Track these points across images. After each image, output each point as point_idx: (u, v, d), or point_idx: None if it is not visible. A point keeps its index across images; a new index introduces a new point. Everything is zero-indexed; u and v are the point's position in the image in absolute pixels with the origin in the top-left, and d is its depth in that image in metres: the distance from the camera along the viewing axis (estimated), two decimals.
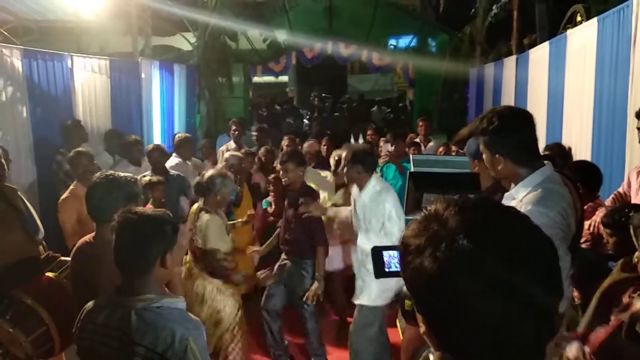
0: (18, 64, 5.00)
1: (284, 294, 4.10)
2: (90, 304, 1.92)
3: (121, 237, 1.86)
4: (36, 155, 5.11)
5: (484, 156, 2.22)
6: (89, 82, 6.13)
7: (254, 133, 7.34)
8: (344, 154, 3.62)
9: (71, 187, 4.02)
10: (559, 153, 4.22)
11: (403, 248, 0.82)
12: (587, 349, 1.71)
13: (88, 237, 2.43)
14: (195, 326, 1.84)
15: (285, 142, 6.33)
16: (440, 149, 6.37)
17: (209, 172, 3.79)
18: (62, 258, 2.97)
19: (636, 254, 1.90)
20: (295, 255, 4.06)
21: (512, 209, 0.87)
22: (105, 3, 7.18)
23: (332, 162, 5.12)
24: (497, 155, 2.14)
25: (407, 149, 6.02)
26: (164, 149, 5.61)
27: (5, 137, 4.72)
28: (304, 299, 3.89)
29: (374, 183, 3.59)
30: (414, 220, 0.84)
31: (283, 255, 4.21)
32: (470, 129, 2.69)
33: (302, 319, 4.04)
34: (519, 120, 2.16)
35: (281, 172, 4.11)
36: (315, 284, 3.86)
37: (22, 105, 5.05)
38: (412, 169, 1.67)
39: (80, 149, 4.21)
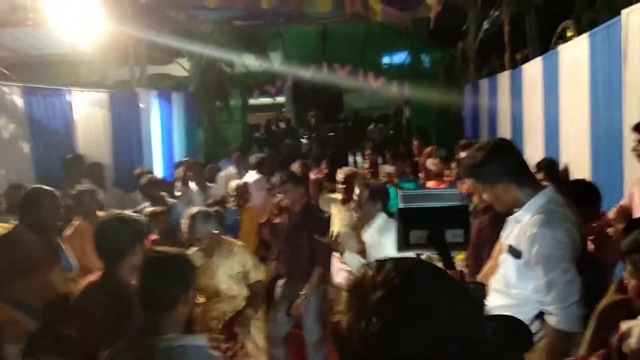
0: (18, 101, 5.07)
1: (288, 319, 4.09)
2: (115, 346, 1.92)
3: (146, 277, 1.90)
4: None
5: (485, 194, 2.26)
6: (88, 115, 6.19)
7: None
8: (357, 191, 3.55)
9: (75, 222, 4.04)
10: (549, 172, 4.26)
11: (335, 327, 0.87)
12: None
13: (94, 278, 2.44)
14: None
15: (297, 167, 6.34)
16: (436, 160, 6.46)
17: (194, 210, 3.59)
18: None
19: (624, 274, 1.92)
20: (297, 279, 4.06)
21: (439, 276, 0.87)
22: (101, 35, 7.27)
23: (339, 178, 5.04)
24: (499, 184, 2.19)
25: (406, 169, 6.08)
26: (158, 180, 5.69)
27: (8, 175, 4.75)
28: (290, 313, 3.92)
29: (383, 219, 3.51)
30: (345, 290, 0.88)
31: (283, 280, 4.21)
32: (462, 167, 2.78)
33: (307, 348, 4.03)
34: (500, 146, 2.25)
35: (280, 194, 4.16)
36: (299, 300, 3.86)
37: (24, 141, 5.10)
38: (401, 205, 1.70)
39: (83, 187, 4.24)
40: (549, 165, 4.47)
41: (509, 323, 1.39)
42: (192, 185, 5.64)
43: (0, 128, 4.82)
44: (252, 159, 6.88)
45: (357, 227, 4.54)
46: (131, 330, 1.95)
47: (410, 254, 2.11)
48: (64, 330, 2.43)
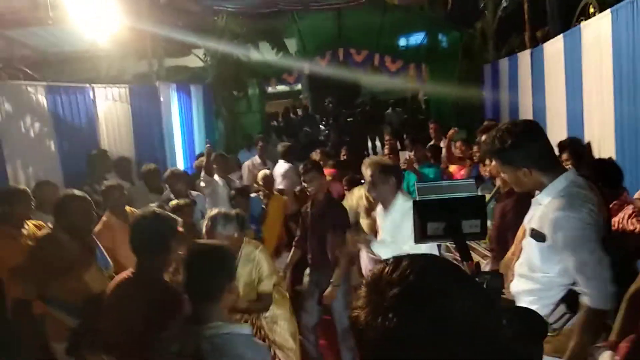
0: (43, 100, 5.18)
1: (317, 309, 4.14)
2: (163, 335, 2.01)
3: (192, 269, 1.98)
4: (66, 187, 5.25)
5: (506, 174, 2.25)
6: (110, 110, 6.30)
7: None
8: (368, 172, 3.40)
9: (103, 218, 4.13)
10: (574, 151, 4.20)
11: (354, 321, 0.88)
12: (617, 358, 1.72)
13: (126, 274, 2.50)
14: (261, 350, 1.96)
15: (317, 156, 6.39)
16: (458, 143, 6.41)
17: (214, 212, 3.40)
18: None
19: None
20: (324, 267, 4.10)
21: (454, 273, 0.89)
22: (118, 30, 7.35)
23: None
24: (523, 169, 2.17)
25: (427, 153, 6.05)
26: (180, 173, 5.78)
27: (36, 172, 4.88)
28: (321, 302, 3.95)
29: (403, 200, 3.42)
30: (362, 287, 0.90)
31: (309, 270, 4.26)
32: (484, 149, 2.74)
33: (338, 336, 4.08)
34: (529, 130, 2.21)
35: (305, 183, 4.16)
36: (330, 289, 3.89)
37: (50, 139, 5.22)
38: (417, 197, 1.71)
39: (112, 182, 4.32)
40: (573, 145, 4.41)
41: (523, 314, 1.40)
42: (217, 177, 5.61)
43: (27, 127, 4.94)
44: (280, 147, 6.92)
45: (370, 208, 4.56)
46: (168, 324, 2.02)
47: (429, 244, 2.12)
48: (102, 327, 2.50)
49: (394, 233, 3.41)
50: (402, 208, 3.36)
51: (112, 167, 5.56)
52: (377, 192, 3.44)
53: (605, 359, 1.76)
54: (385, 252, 3.42)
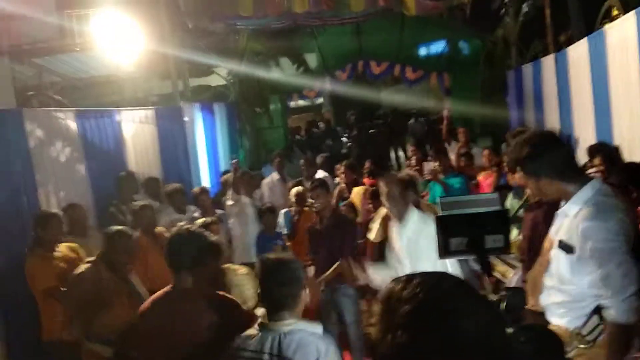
0: (72, 125, 5.32)
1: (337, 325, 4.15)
2: (241, 336, 2.19)
3: (267, 282, 2.17)
4: (97, 210, 5.38)
5: (530, 184, 2.24)
6: (137, 132, 6.44)
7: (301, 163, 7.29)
8: (384, 186, 3.36)
9: (135, 238, 4.21)
10: (606, 155, 4.10)
11: (369, 337, 0.92)
12: None
13: (164, 290, 2.52)
14: (330, 345, 2.11)
15: (341, 169, 6.41)
16: (485, 152, 6.36)
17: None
18: None
19: None
20: (336, 283, 4.11)
21: (464, 291, 0.90)
22: (142, 54, 7.56)
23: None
24: (543, 179, 2.17)
25: (459, 159, 6.03)
26: (208, 191, 5.87)
27: (67, 196, 5.00)
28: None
29: (418, 216, 3.35)
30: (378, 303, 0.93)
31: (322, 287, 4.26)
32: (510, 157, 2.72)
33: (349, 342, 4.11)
34: (547, 140, 2.21)
35: (312, 199, 4.26)
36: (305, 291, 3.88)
37: (80, 163, 5.35)
38: (440, 213, 1.71)
39: (143, 202, 4.40)
40: (605, 149, 4.32)
41: (541, 333, 1.38)
42: (243, 197, 5.53)
43: (58, 152, 5.09)
44: (318, 159, 7.00)
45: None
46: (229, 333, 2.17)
47: (451, 259, 2.09)
48: (134, 352, 2.54)
49: (409, 250, 3.34)
50: (416, 224, 3.31)
51: (139, 187, 5.66)
52: (394, 207, 3.38)
53: None
54: (385, 273, 3.40)
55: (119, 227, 3.55)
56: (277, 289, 2.13)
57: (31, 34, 7.27)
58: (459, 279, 0.93)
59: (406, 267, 3.34)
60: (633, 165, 3.79)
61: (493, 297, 2.58)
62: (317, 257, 4.25)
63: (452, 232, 1.85)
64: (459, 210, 1.84)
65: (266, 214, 5.26)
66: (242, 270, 3.39)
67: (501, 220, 1.80)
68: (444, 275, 0.93)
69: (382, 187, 3.39)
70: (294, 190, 5.67)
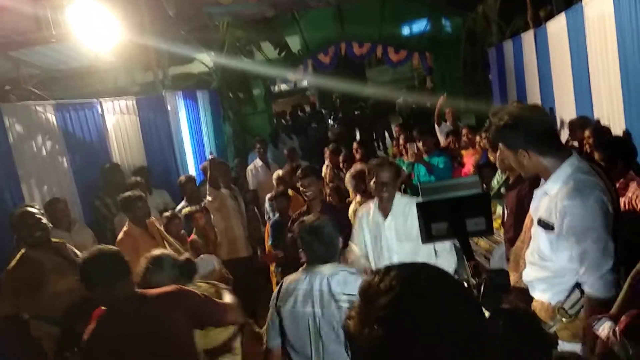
0: (52, 118, 5.25)
1: None
2: (289, 278, 2.62)
3: (313, 240, 2.51)
4: (82, 203, 5.35)
5: (510, 157, 2.24)
6: (119, 123, 6.37)
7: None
8: (384, 172, 3.17)
9: (125, 228, 4.21)
10: (596, 129, 4.15)
11: (346, 329, 0.90)
12: (617, 329, 1.72)
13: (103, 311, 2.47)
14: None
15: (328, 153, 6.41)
16: (464, 130, 6.46)
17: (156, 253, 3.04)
18: None
19: None
20: None
21: (442, 282, 0.89)
22: (121, 43, 7.42)
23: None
24: (520, 150, 2.16)
25: (446, 139, 6.06)
26: (195, 179, 5.85)
27: (50, 190, 4.96)
28: None
29: (399, 198, 3.23)
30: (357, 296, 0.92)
31: None
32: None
33: None
34: (529, 112, 2.18)
35: (303, 188, 4.07)
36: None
37: (62, 156, 5.29)
38: (420, 199, 1.71)
39: (133, 193, 4.30)
40: (591, 123, 4.39)
41: (519, 316, 1.42)
42: (223, 190, 5.18)
43: (39, 145, 5.03)
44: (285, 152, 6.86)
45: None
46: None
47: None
48: (82, 328, 2.49)
49: (399, 234, 3.21)
50: (402, 208, 3.17)
51: (122, 179, 5.56)
52: (389, 194, 3.21)
53: (605, 329, 1.76)
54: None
55: (24, 209, 3.58)
56: (316, 245, 2.50)
57: (6, 26, 7.10)
58: (439, 270, 0.92)
59: (393, 253, 3.25)
60: (619, 139, 3.84)
61: (473, 281, 2.64)
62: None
63: (433, 218, 1.87)
64: (439, 196, 1.85)
65: (278, 197, 4.96)
66: (204, 287, 3.07)
67: (482, 203, 1.81)
68: (423, 266, 0.92)
69: (383, 174, 3.19)
70: (275, 173, 5.63)
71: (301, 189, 4.13)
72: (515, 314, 1.48)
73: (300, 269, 2.63)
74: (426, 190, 1.85)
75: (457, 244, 3.23)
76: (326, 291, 2.48)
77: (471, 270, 1.59)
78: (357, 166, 4.60)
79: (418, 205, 1.74)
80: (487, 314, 1.38)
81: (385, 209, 3.26)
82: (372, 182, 3.22)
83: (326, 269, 2.51)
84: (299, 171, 4.21)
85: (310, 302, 2.51)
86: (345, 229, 3.83)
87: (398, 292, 0.84)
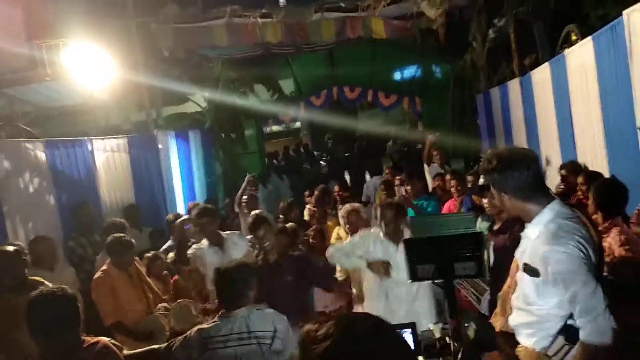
0: (41, 155, 5.25)
1: None
2: (202, 327, 2.75)
3: (223, 284, 2.78)
4: (65, 241, 5.25)
5: (495, 196, 2.27)
6: (109, 161, 6.37)
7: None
8: (389, 213, 3.43)
9: (104, 267, 4.11)
10: (588, 175, 4.17)
11: None
12: None
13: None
14: (284, 319, 2.81)
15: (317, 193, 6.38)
16: (447, 177, 6.44)
17: None
18: None
19: None
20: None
21: (376, 332, 0.92)
22: (115, 82, 7.51)
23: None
24: (503, 194, 2.19)
25: (433, 179, 6.08)
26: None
27: (35, 227, 4.90)
28: None
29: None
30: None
31: None
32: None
33: None
34: (517, 159, 2.19)
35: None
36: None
37: (49, 194, 5.26)
38: (407, 236, 1.67)
39: (121, 238, 4.14)
40: (584, 170, 4.43)
41: None
42: (205, 243, 4.46)
43: (26, 183, 5.00)
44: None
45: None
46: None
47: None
48: None
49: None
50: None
51: (92, 219, 5.44)
52: (396, 232, 3.43)
53: None
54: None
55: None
56: (232, 288, 2.74)
57: (1, 64, 7.18)
58: (379, 320, 0.95)
59: (402, 288, 3.47)
60: (603, 182, 3.81)
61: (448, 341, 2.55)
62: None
63: (419, 259, 1.80)
64: (429, 233, 1.81)
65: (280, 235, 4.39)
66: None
67: (474, 244, 1.74)
68: (364, 315, 0.96)
69: (388, 215, 3.47)
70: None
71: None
72: None
73: (217, 316, 2.81)
74: (417, 225, 1.82)
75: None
76: (245, 332, 2.69)
77: (455, 327, 1.51)
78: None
79: (405, 242, 1.69)
80: None
81: (395, 240, 3.47)
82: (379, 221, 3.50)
83: (243, 310, 2.74)
84: (249, 219, 4.14)
85: (231, 345, 2.68)
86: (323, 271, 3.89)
87: (336, 338, 0.88)
